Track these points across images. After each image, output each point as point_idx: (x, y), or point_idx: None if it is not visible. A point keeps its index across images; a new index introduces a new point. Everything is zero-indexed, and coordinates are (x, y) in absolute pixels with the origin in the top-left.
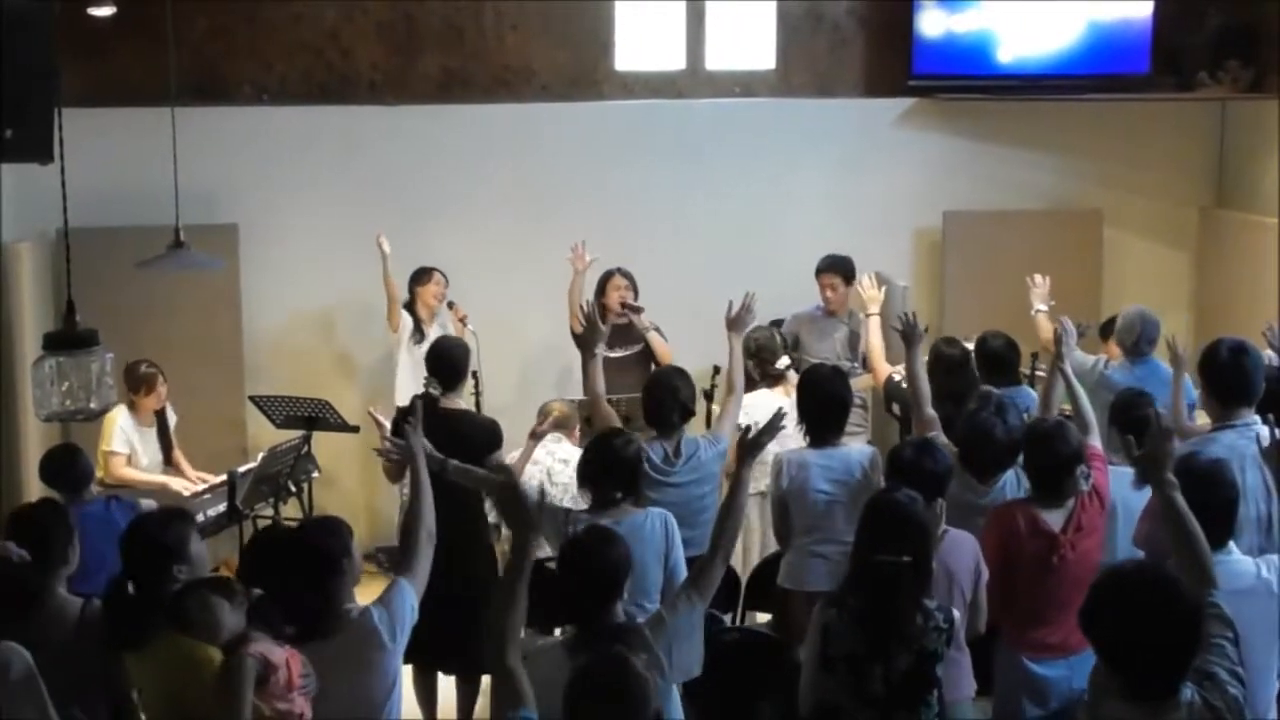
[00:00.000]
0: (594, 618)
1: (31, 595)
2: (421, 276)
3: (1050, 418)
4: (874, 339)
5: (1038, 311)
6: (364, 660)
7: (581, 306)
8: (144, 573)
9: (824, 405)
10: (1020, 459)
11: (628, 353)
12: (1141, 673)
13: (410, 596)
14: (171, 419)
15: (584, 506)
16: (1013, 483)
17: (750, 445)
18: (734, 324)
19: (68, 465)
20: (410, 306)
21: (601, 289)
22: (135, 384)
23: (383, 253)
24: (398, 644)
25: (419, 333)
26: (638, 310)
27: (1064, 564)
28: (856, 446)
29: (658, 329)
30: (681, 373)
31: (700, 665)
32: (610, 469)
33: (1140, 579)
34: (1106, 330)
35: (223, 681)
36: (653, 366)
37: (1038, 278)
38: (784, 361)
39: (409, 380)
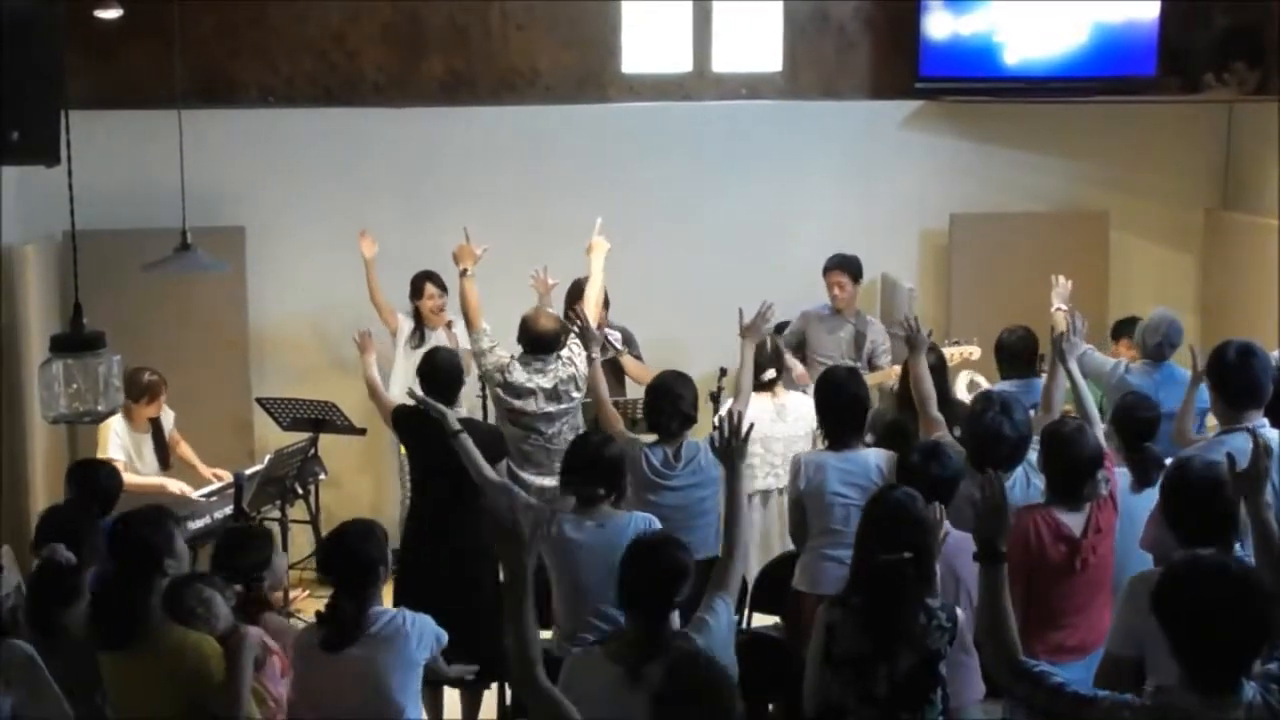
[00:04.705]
0: (653, 621)
1: (74, 596)
2: (416, 289)
3: (1070, 420)
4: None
5: (1058, 309)
6: (388, 666)
7: (569, 314)
8: (134, 570)
9: (842, 407)
10: (1030, 455)
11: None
12: (1205, 663)
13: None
14: (169, 420)
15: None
16: (1022, 480)
17: (726, 453)
18: (748, 332)
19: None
20: (416, 311)
21: (575, 297)
22: (137, 392)
23: (365, 259)
24: (420, 655)
25: (418, 336)
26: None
27: (1085, 567)
28: (874, 450)
29: (629, 349)
30: (685, 379)
31: (735, 669)
32: (591, 467)
33: (1217, 567)
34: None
35: (228, 658)
36: (626, 376)
37: (1060, 278)
38: (770, 374)
39: (403, 383)
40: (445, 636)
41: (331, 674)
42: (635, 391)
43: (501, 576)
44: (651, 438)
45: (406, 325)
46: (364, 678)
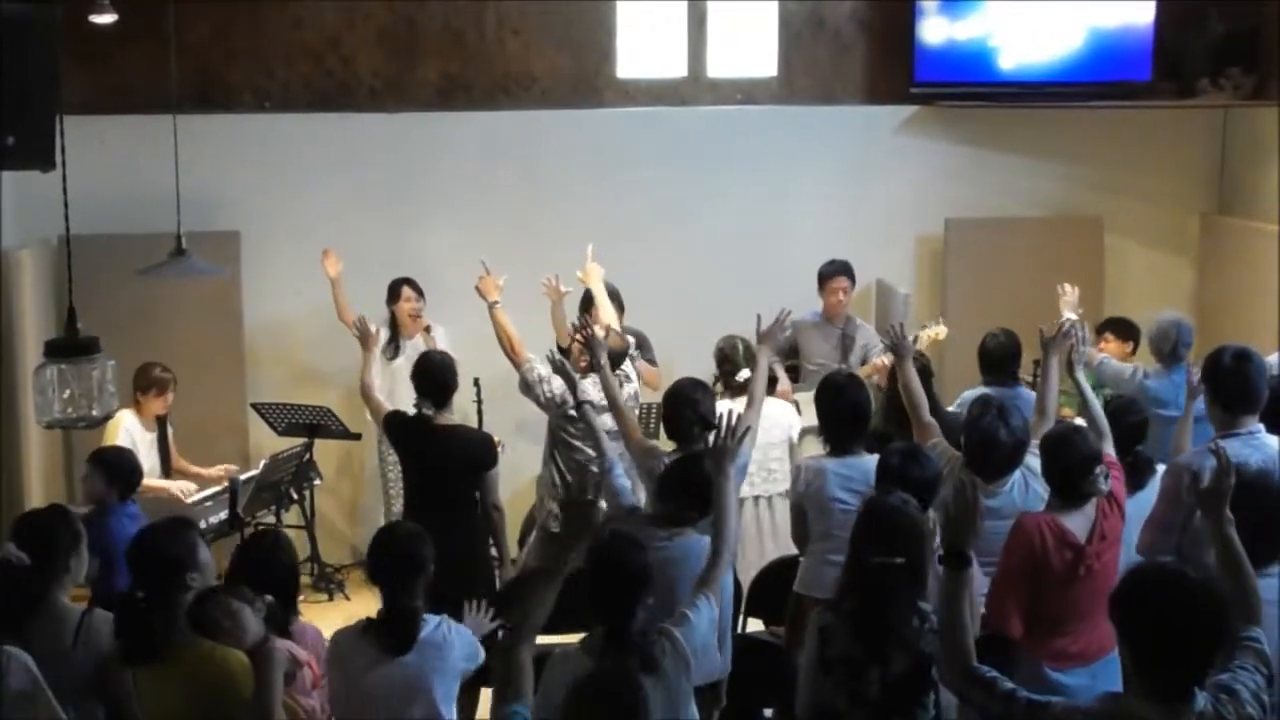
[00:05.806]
0: (617, 620)
1: (31, 601)
2: (393, 293)
3: (1065, 423)
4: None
5: (1068, 319)
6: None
7: (574, 325)
8: (156, 584)
9: (842, 413)
10: (1025, 460)
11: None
12: (1159, 669)
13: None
14: (169, 431)
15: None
16: (1020, 485)
17: (719, 454)
18: (764, 337)
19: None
20: (392, 319)
21: (588, 306)
22: (147, 384)
23: (330, 278)
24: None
25: (392, 348)
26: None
27: (1089, 574)
28: (874, 456)
29: (642, 352)
30: (702, 386)
31: (721, 667)
32: (686, 488)
33: (1174, 576)
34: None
35: (256, 672)
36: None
37: (1067, 286)
38: (744, 374)
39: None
40: (483, 654)
41: (381, 679)
42: (648, 396)
43: (498, 579)
44: (669, 446)
45: (382, 336)
46: (414, 684)
